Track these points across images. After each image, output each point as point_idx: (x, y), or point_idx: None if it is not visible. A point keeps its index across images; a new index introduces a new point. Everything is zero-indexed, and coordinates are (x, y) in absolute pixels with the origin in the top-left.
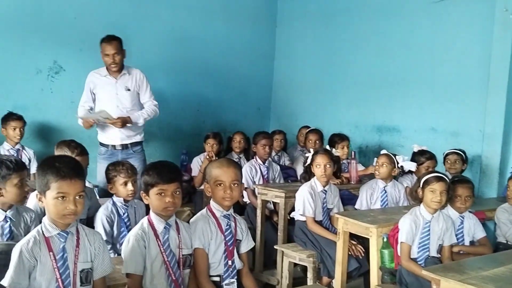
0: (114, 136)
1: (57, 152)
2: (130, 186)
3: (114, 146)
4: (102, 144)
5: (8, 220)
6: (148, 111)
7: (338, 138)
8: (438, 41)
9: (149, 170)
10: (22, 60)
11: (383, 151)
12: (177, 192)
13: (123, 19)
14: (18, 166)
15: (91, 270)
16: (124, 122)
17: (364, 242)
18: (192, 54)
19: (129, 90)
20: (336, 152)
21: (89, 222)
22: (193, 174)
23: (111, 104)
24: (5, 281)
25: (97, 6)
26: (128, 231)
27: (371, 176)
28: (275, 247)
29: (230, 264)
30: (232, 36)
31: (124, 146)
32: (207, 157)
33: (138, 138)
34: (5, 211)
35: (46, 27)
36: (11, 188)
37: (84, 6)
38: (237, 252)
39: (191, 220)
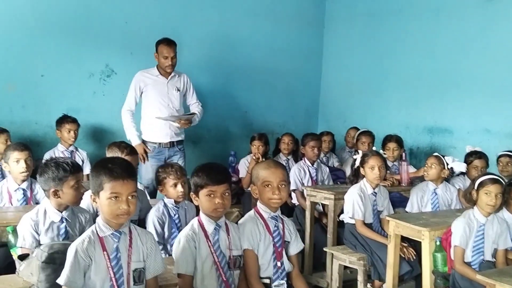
0: (164, 134)
1: (108, 153)
2: (179, 188)
3: (161, 144)
4: (149, 142)
5: (64, 220)
6: (199, 114)
7: (390, 139)
8: (491, 39)
9: (198, 171)
10: (76, 64)
11: (435, 154)
12: (227, 194)
13: (172, 22)
14: (75, 169)
15: (143, 270)
16: (189, 122)
17: (415, 245)
18: (240, 57)
19: (178, 90)
20: (384, 153)
21: (141, 223)
22: (240, 176)
23: (163, 102)
24: (61, 280)
25: (146, 10)
26: (179, 232)
27: (423, 178)
28: (324, 249)
29: (279, 265)
30: (280, 37)
31: (171, 144)
32: (253, 158)
33: (182, 136)
34: (61, 212)
35: (98, 32)
36: (67, 190)
37: (135, 11)
38: (286, 254)
39: (240, 221)
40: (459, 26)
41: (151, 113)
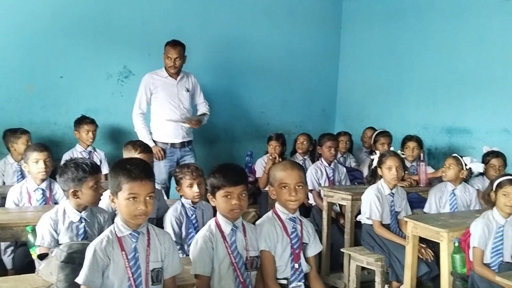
0: (175, 134)
1: (125, 152)
2: (195, 188)
3: (173, 144)
4: (161, 144)
5: (83, 221)
6: (207, 113)
7: (410, 139)
8: (511, 39)
9: (215, 172)
10: (94, 66)
11: (454, 155)
12: (243, 195)
13: (190, 24)
14: (94, 169)
15: (161, 270)
16: (200, 122)
17: (433, 246)
18: (257, 57)
19: (188, 91)
20: (402, 154)
21: (158, 223)
22: (257, 176)
23: (173, 103)
24: (80, 279)
25: (164, 12)
26: (196, 233)
27: (441, 179)
28: (342, 250)
29: (297, 267)
30: (297, 38)
31: (182, 144)
32: (270, 157)
33: (191, 136)
34: (80, 212)
35: (117, 34)
36: (86, 190)
37: (152, 12)
38: (304, 255)
39: (257, 222)
40: (478, 25)
41: (162, 114)
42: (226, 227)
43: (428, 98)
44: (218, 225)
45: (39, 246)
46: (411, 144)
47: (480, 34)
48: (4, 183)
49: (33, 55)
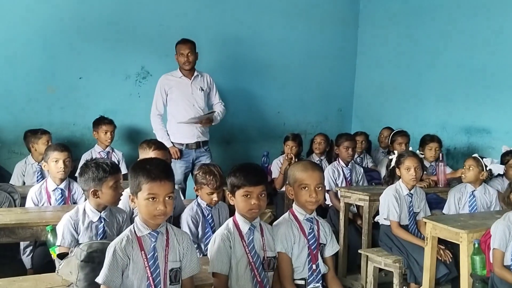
0: (191, 134)
1: (140, 150)
2: (214, 197)
3: (188, 145)
4: (176, 144)
5: (103, 220)
6: (221, 113)
7: (429, 139)
8: None
9: (236, 171)
10: (112, 67)
11: (474, 155)
12: (263, 195)
13: (206, 24)
14: (114, 169)
15: (179, 270)
16: (210, 121)
17: (452, 247)
18: (273, 57)
19: (202, 90)
20: (421, 154)
21: (174, 222)
22: (273, 176)
23: (187, 103)
24: (99, 278)
25: (181, 12)
26: (213, 232)
27: (460, 180)
28: (359, 251)
29: (315, 268)
30: (313, 37)
31: (198, 145)
32: (286, 158)
33: (207, 136)
34: (100, 212)
35: (134, 35)
36: (106, 190)
37: (169, 13)
38: (322, 256)
39: (274, 223)
40: (497, 23)
41: (176, 114)
42: (244, 227)
43: (446, 97)
44: (236, 224)
45: (59, 246)
46: (433, 145)
47: (499, 32)
48: (24, 183)
49: (53, 57)
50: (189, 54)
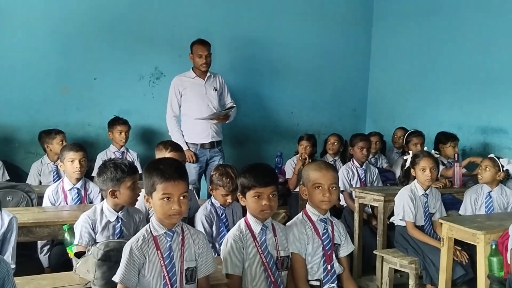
0: (205, 134)
1: (157, 152)
2: (229, 199)
3: (203, 145)
4: (190, 144)
5: (120, 220)
6: (233, 112)
7: (445, 138)
8: None
9: (246, 172)
10: (127, 68)
11: (490, 156)
12: (274, 195)
13: (219, 24)
14: (132, 170)
15: (195, 269)
16: (227, 117)
17: (468, 248)
18: (287, 57)
19: (216, 90)
20: (436, 153)
21: (189, 222)
22: (287, 177)
23: (202, 103)
24: (116, 277)
25: (194, 13)
26: (227, 231)
27: (477, 180)
28: (374, 252)
29: (330, 268)
30: (327, 37)
31: (212, 145)
32: (300, 158)
33: (221, 136)
34: (117, 212)
35: (148, 36)
36: (124, 191)
37: (183, 14)
38: (336, 256)
39: (287, 224)
40: None
41: (191, 114)
42: (256, 227)
43: (462, 97)
44: (248, 225)
45: (76, 245)
46: (454, 143)
47: None
48: (40, 182)
49: (68, 58)
50: (207, 56)
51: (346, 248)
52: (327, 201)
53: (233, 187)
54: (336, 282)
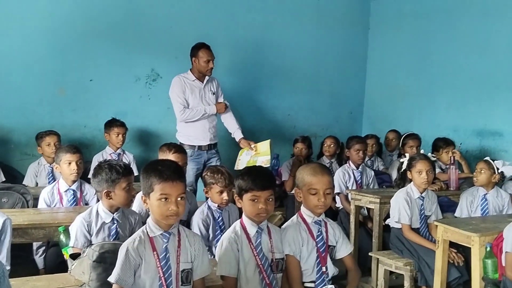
0: (203, 137)
1: (160, 153)
2: (225, 196)
3: (200, 147)
4: (188, 146)
5: (115, 222)
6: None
7: (443, 143)
8: None
9: (244, 175)
10: (123, 69)
11: (485, 159)
12: (270, 199)
13: (216, 26)
14: (127, 171)
15: (191, 271)
16: (226, 107)
17: (463, 250)
18: (283, 59)
19: (214, 93)
20: (433, 156)
21: (185, 225)
22: (283, 179)
23: (200, 106)
24: (112, 278)
25: (191, 15)
26: (223, 234)
27: (472, 183)
28: (370, 254)
29: (324, 270)
30: (324, 40)
31: (209, 147)
32: (296, 159)
33: (217, 139)
34: (113, 213)
35: (144, 37)
36: (119, 192)
37: (179, 16)
38: (334, 258)
39: (282, 226)
40: (510, 26)
41: None
42: (251, 229)
43: (459, 100)
44: (243, 227)
45: (72, 246)
46: (450, 148)
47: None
48: (37, 184)
49: (64, 59)
50: (212, 61)
51: (346, 248)
52: (322, 205)
53: (226, 182)
54: (330, 283)
